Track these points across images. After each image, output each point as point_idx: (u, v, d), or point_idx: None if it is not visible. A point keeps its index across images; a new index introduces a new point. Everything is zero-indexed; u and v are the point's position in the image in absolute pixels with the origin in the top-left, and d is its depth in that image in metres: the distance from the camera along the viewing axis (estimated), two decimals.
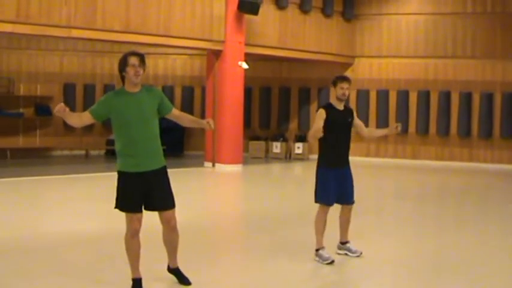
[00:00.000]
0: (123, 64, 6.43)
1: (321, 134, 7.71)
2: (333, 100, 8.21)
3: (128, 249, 6.55)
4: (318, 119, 7.97)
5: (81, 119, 6.45)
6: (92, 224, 10.64)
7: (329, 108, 8.09)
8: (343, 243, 8.52)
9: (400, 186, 17.75)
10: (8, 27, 15.23)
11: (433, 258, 8.66)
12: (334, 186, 8.11)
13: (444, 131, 22.34)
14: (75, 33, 16.27)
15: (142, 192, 6.46)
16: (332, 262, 7.94)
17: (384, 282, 7.45)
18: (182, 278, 6.86)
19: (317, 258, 8.06)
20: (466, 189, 17.04)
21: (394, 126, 8.42)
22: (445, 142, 22.48)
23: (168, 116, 6.77)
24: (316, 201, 8.19)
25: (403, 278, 7.67)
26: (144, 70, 6.43)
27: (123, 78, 6.49)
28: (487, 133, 21.84)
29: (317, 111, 8.18)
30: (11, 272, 7.44)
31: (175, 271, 6.90)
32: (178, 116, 6.84)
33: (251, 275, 7.59)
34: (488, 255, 8.91)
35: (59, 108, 6.13)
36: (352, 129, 8.34)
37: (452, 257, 8.75)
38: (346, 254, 8.45)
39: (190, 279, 6.84)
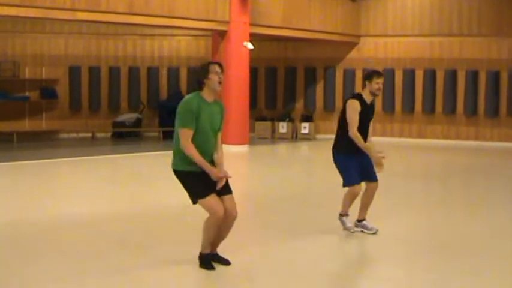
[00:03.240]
0: (205, 71, 6.62)
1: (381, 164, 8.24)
2: (364, 93, 8.42)
3: (207, 230, 6.67)
4: (354, 113, 8.20)
5: (190, 146, 6.52)
6: (101, 205, 10.66)
7: (361, 100, 8.33)
8: (360, 220, 8.62)
9: (406, 166, 17.73)
10: (12, 11, 15.22)
11: (442, 236, 8.67)
12: (357, 167, 8.31)
13: (450, 109, 22.27)
14: (79, 15, 16.26)
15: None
16: (350, 228, 8.48)
17: (397, 260, 7.47)
18: (222, 260, 6.93)
19: (341, 223, 8.57)
20: (472, 168, 17.01)
21: (380, 156, 8.43)
22: (452, 121, 22.42)
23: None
24: (345, 186, 8.41)
25: (412, 256, 7.68)
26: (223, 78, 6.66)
27: (201, 85, 6.64)
28: (493, 111, 21.76)
29: (346, 101, 8.43)
30: (19, 254, 7.48)
31: (214, 256, 6.93)
32: (217, 140, 6.91)
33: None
34: (496, 233, 8.91)
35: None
36: None
37: (462, 236, 8.76)
38: (362, 231, 8.55)
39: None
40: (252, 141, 20.57)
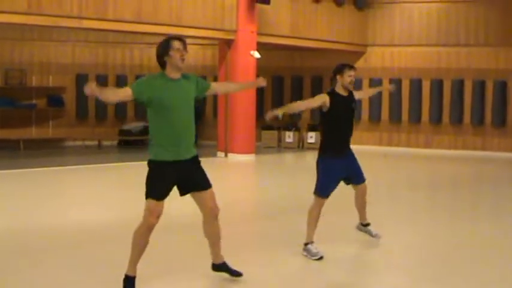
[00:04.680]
0: (165, 48, 6.23)
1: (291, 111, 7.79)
2: (338, 88, 7.94)
3: (136, 243, 6.28)
4: (313, 99, 7.87)
5: (116, 94, 6.24)
6: (108, 213, 10.65)
7: (334, 94, 7.87)
8: (364, 225, 8.49)
9: (413, 175, 17.68)
10: (20, 19, 15.26)
11: (447, 247, 8.63)
12: (336, 178, 7.89)
13: (457, 119, 22.23)
14: (86, 23, 16.29)
15: (176, 181, 6.27)
16: (320, 258, 7.62)
17: (403, 269, 7.44)
18: (232, 271, 6.65)
19: (305, 253, 7.76)
20: (479, 178, 16.97)
21: (388, 85, 8.27)
22: (458, 131, 22.37)
23: (209, 93, 6.65)
24: (314, 193, 7.90)
25: (418, 265, 7.64)
26: (186, 54, 6.28)
27: (163, 64, 6.25)
28: (500, 121, 21.71)
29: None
30: (27, 261, 7.48)
31: (222, 266, 6.68)
32: (219, 87, 6.62)
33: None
34: (502, 244, 8.87)
35: (88, 89, 5.83)
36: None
37: (466, 246, 8.72)
38: (368, 234, 8.48)
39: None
40: (258, 151, 20.55)
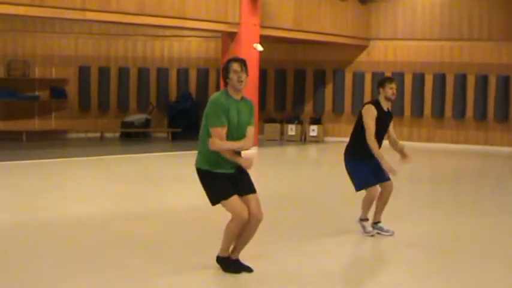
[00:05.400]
0: (226, 70, 6.48)
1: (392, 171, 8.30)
2: (381, 99, 8.47)
3: (231, 232, 6.54)
4: (371, 119, 8.28)
5: (223, 142, 6.38)
6: (110, 206, 10.66)
7: (378, 106, 8.39)
8: (376, 223, 8.67)
9: (415, 170, 17.65)
10: (22, 10, 15.26)
11: (449, 242, 8.64)
12: (368, 171, 8.39)
13: (460, 114, 22.22)
14: (89, 15, 16.28)
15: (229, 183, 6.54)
16: (372, 236, 8.46)
17: (406, 264, 7.45)
18: (244, 267, 6.76)
19: (360, 226, 8.58)
20: (482, 173, 16.96)
21: (405, 160, 8.68)
22: (461, 125, 22.37)
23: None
24: (358, 189, 8.48)
25: (421, 260, 7.64)
26: (247, 76, 6.48)
27: (226, 84, 6.53)
28: (503, 116, 21.70)
29: (362, 107, 8.48)
30: (28, 253, 7.49)
31: (236, 263, 6.78)
32: (248, 136, 6.69)
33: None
34: (504, 238, 8.88)
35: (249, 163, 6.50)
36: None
37: (468, 241, 8.73)
38: (378, 233, 8.62)
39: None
40: (260, 143, 20.56)
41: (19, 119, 21.50)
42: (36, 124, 22.01)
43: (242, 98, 6.57)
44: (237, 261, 6.79)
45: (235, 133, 6.47)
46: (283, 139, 23.16)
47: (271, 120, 23.44)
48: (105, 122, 22.97)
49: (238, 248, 6.76)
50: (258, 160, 18.61)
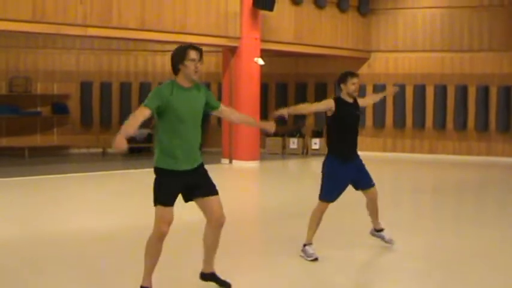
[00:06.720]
0: (181, 57, 6.09)
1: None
2: (343, 96, 8.10)
3: (149, 253, 6.21)
4: (319, 103, 8.09)
5: (135, 117, 6.06)
6: (113, 220, 10.66)
7: (339, 100, 8.03)
8: (378, 230, 8.52)
9: (417, 181, 17.67)
10: (24, 27, 15.30)
11: (452, 253, 8.62)
12: (342, 183, 7.97)
13: (461, 125, 22.22)
14: (91, 31, 16.33)
15: (182, 189, 6.19)
16: (315, 259, 7.75)
17: (409, 275, 7.44)
18: (221, 282, 6.49)
19: (302, 254, 7.89)
20: (484, 184, 16.94)
21: (391, 88, 8.47)
22: (463, 136, 22.36)
23: (216, 113, 6.51)
24: (319, 197, 7.99)
25: (423, 271, 7.64)
26: (201, 65, 6.13)
27: (177, 71, 6.15)
28: (504, 127, 21.69)
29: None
30: (33, 269, 7.48)
31: (211, 276, 6.54)
32: (226, 112, 6.53)
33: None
34: (508, 249, 8.86)
35: (116, 144, 6.03)
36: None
37: (471, 252, 8.71)
38: (381, 240, 8.52)
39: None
40: (262, 157, 20.56)
41: (21, 135, 21.53)
42: (38, 140, 22.03)
43: (194, 85, 6.21)
44: (213, 274, 6.54)
45: (185, 126, 6.09)
46: (285, 153, 23.16)
47: (273, 134, 23.39)
48: (107, 137, 22.94)
49: (208, 260, 6.50)
50: (260, 174, 18.62)
